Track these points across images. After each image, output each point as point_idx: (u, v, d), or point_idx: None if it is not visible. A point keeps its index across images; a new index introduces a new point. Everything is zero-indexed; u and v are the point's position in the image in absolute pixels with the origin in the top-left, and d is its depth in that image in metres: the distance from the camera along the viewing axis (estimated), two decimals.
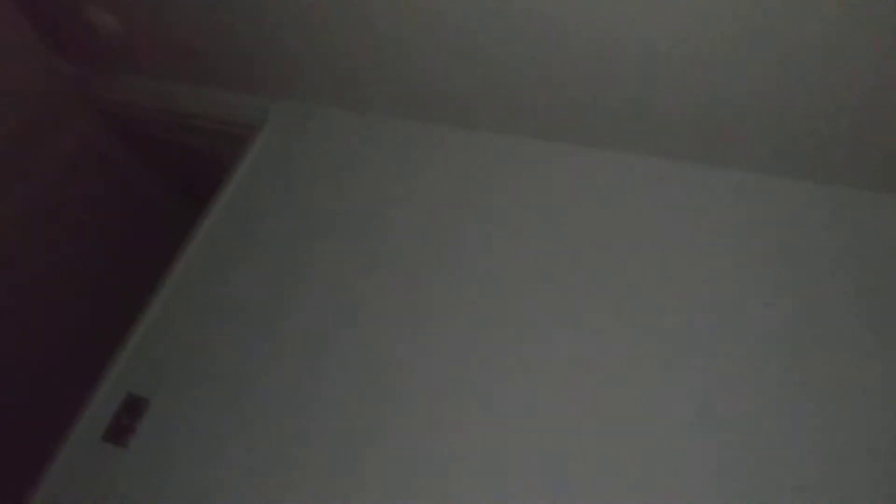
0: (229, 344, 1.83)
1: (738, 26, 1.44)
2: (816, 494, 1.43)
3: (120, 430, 1.75)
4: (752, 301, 1.66)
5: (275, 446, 1.66)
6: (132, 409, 1.77)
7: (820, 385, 1.53)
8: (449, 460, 1.58)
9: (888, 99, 1.47)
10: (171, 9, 2.09)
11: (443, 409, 1.64)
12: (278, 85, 2.27)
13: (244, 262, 1.98)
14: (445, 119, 2.09)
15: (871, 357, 1.54)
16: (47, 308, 2.59)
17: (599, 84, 1.73)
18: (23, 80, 2.34)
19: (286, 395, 1.73)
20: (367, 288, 1.86)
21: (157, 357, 1.85)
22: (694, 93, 1.65)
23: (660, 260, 1.75)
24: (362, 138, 2.16)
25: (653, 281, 1.73)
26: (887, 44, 1.36)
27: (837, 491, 1.42)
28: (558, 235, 1.84)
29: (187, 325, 1.89)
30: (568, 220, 1.86)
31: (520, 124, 1.98)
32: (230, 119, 2.39)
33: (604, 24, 1.56)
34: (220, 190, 2.15)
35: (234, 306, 1.90)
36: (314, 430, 1.67)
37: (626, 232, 1.82)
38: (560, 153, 1.97)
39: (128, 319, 1.86)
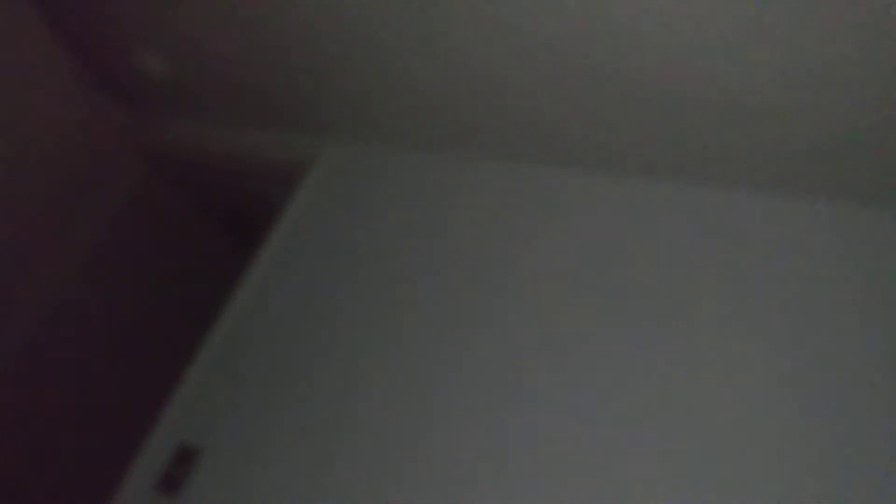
0: (281, 392, 1.80)
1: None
2: None
3: (172, 480, 1.72)
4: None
5: (327, 495, 1.62)
6: (184, 458, 1.74)
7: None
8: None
9: None
10: (220, 50, 2.10)
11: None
12: (327, 124, 2.26)
13: (294, 308, 1.95)
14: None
15: None
16: (99, 358, 2.59)
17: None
18: (71, 126, 2.37)
19: (330, 443, 1.70)
20: (422, 337, 1.83)
21: (208, 405, 1.83)
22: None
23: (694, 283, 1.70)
24: (416, 178, 2.12)
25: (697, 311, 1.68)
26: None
27: None
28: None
29: (239, 374, 1.87)
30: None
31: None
32: (280, 160, 2.38)
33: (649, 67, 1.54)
34: (271, 233, 2.12)
35: (285, 354, 1.86)
36: (361, 472, 1.62)
37: (671, 261, 1.77)
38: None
39: (180, 367, 1.84)
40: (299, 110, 2.25)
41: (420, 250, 1.97)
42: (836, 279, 1.63)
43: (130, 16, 2.13)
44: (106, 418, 2.58)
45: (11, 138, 2.16)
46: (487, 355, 1.73)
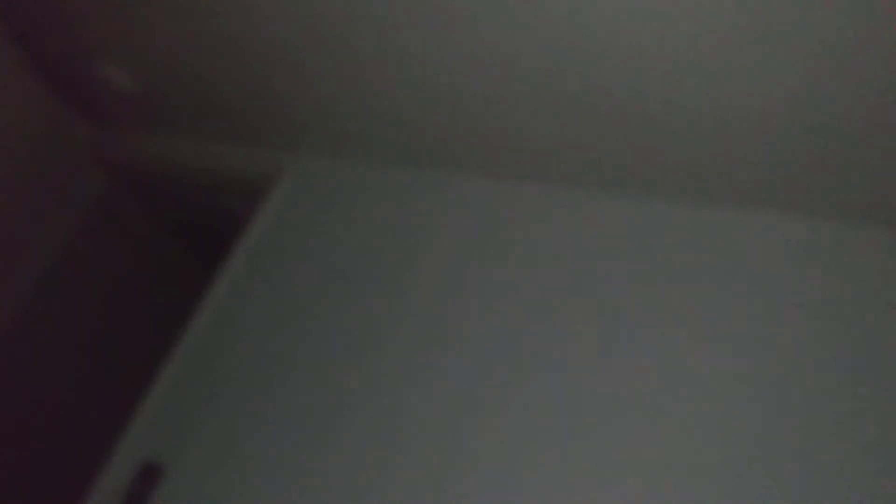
0: (248, 408, 1.80)
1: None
2: None
3: (136, 497, 1.70)
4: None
5: None
6: (149, 475, 1.73)
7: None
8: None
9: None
10: (184, 63, 2.09)
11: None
12: (294, 139, 2.26)
13: (260, 323, 1.95)
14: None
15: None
16: (59, 374, 2.55)
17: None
18: (32, 140, 2.34)
19: (297, 457, 1.70)
20: (392, 353, 1.83)
21: (172, 423, 1.82)
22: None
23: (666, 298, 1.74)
24: (385, 193, 2.13)
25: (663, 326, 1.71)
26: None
27: None
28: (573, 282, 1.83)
29: (202, 390, 1.86)
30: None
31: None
32: (246, 174, 2.37)
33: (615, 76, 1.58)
34: (235, 248, 2.12)
35: (251, 369, 1.86)
36: (330, 489, 1.63)
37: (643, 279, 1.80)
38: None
39: (144, 382, 1.83)
40: (266, 124, 2.25)
41: (389, 265, 1.97)
42: (808, 294, 1.66)
43: (94, 27, 2.11)
44: (67, 434, 2.54)
45: None
46: (460, 372, 1.74)
